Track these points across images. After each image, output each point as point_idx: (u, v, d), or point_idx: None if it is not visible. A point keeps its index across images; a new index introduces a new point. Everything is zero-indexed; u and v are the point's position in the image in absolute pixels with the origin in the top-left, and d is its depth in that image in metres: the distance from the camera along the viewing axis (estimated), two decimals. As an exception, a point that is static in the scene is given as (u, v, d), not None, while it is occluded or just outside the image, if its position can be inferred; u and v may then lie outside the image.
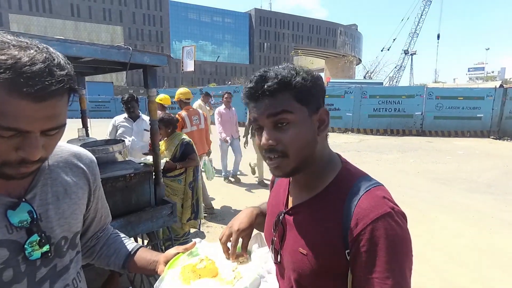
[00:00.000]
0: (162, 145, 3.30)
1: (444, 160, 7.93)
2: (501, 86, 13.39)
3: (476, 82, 34.25)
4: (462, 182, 5.95)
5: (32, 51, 0.53)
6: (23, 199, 0.66)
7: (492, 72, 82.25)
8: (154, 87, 2.26)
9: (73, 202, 0.75)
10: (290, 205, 0.81)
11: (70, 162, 0.78)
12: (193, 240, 0.89)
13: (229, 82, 38.36)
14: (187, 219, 3.28)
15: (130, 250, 0.90)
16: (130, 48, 1.88)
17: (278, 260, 0.81)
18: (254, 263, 0.77)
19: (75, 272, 0.77)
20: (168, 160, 3.11)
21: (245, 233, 0.85)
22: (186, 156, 3.20)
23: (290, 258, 0.76)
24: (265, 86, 0.68)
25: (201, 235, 3.80)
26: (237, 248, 0.83)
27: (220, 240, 0.85)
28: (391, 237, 0.63)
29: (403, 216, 0.67)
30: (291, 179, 0.84)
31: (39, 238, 0.66)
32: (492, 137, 11.58)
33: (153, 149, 2.48)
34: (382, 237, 0.63)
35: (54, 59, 0.54)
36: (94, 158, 0.84)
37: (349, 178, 0.73)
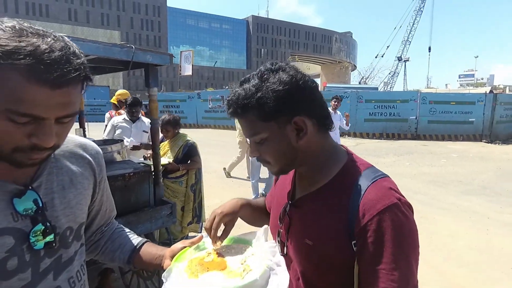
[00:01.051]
0: (166, 145, 3.28)
1: (439, 163, 8.00)
2: (491, 91, 13.61)
3: (467, 88, 34.73)
4: (457, 184, 6.01)
5: (49, 39, 0.53)
6: (30, 187, 0.65)
7: (482, 79, 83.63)
8: (156, 86, 2.27)
9: (79, 192, 0.75)
10: (296, 196, 0.81)
11: (76, 152, 0.77)
12: (200, 234, 0.88)
13: (227, 87, 38.45)
14: (188, 222, 3.22)
15: (135, 244, 0.88)
16: (133, 47, 1.89)
17: (285, 252, 0.80)
18: (263, 256, 0.76)
19: (79, 264, 0.76)
20: (170, 161, 3.08)
21: (228, 219, 0.85)
22: (189, 157, 3.16)
23: (296, 250, 0.76)
24: (228, 113, 0.73)
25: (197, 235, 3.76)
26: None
27: (205, 227, 0.85)
28: (398, 228, 0.63)
29: (409, 207, 0.67)
30: (295, 171, 0.83)
31: (43, 227, 0.65)
32: (484, 140, 11.71)
33: (153, 149, 2.48)
34: (389, 228, 0.63)
35: (70, 48, 0.55)
36: (99, 149, 0.84)
37: (355, 170, 0.72)
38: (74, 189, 0.73)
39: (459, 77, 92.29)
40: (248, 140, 0.77)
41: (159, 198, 2.47)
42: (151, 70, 2.22)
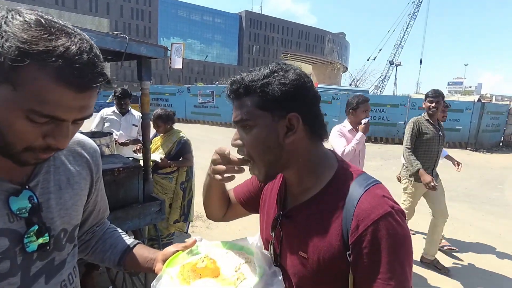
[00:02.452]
0: (158, 140, 3.21)
1: (425, 169, 8.17)
2: (479, 100, 13.99)
3: (455, 96, 35.69)
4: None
5: (77, 39, 0.52)
6: (26, 186, 0.62)
7: (470, 87, 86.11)
8: (149, 79, 2.20)
9: (75, 192, 0.72)
10: (286, 206, 0.79)
11: (74, 150, 0.74)
12: (194, 237, 0.85)
13: (217, 82, 38.19)
14: (174, 220, 3.15)
15: (126, 246, 0.86)
16: (127, 37, 1.81)
17: (278, 262, 0.79)
18: (258, 265, 0.74)
19: (71, 266, 0.73)
20: (162, 157, 3.01)
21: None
22: (181, 154, 3.10)
23: (290, 262, 0.75)
24: (228, 91, 0.71)
25: (187, 237, 3.72)
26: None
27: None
28: (393, 237, 0.63)
29: (402, 214, 0.67)
30: (284, 179, 0.82)
31: (37, 228, 0.62)
32: (469, 148, 12.03)
33: (144, 144, 2.41)
34: (384, 237, 0.63)
35: (94, 49, 0.54)
36: (97, 147, 0.81)
37: (347, 177, 0.72)
38: (70, 190, 0.71)
39: (448, 84, 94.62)
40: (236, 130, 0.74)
41: (148, 194, 2.41)
42: (145, 62, 2.14)
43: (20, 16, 0.50)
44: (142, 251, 0.85)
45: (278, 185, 0.84)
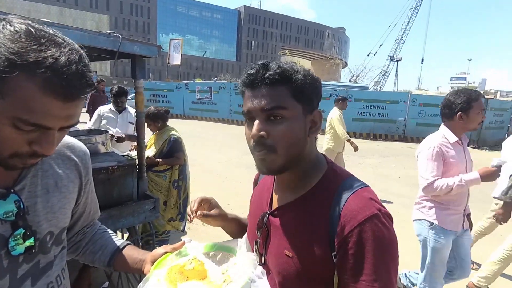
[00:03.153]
0: (153, 138, 3.24)
1: (423, 165, 8.18)
2: (482, 97, 13.92)
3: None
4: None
5: (66, 49, 0.53)
6: (12, 190, 0.63)
7: (474, 82, 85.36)
8: (142, 78, 2.19)
9: (63, 196, 0.72)
10: (274, 205, 0.80)
11: (63, 153, 0.75)
12: (183, 239, 0.86)
13: (215, 78, 38.04)
14: (169, 218, 3.16)
15: (116, 247, 0.87)
16: (120, 36, 1.81)
17: (263, 262, 0.79)
18: (244, 267, 0.75)
19: (59, 268, 0.73)
20: (149, 156, 3.00)
21: (211, 208, 0.88)
22: (173, 152, 3.09)
23: (275, 261, 0.75)
24: (267, 75, 0.67)
25: (182, 234, 3.73)
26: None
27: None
28: (378, 239, 0.63)
29: (389, 217, 0.68)
30: (275, 178, 0.82)
31: (23, 231, 0.63)
32: (472, 146, 11.88)
33: (138, 142, 2.42)
34: (370, 239, 0.63)
35: (83, 59, 0.55)
36: (87, 150, 0.81)
37: (335, 179, 0.72)
38: (58, 193, 0.71)
39: (451, 80, 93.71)
40: (257, 120, 0.68)
41: (142, 192, 2.42)
42: (138, 61, 2.14)
43: (11, 26, 0.51)
44: (132, 252, 0.86)
45: (267, 186, 0.85)
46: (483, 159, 9.74)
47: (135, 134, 3.63)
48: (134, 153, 2.98)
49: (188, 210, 0.87)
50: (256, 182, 0.96)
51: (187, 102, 16.49)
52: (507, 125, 13.03)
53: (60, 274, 0.73)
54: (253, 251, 0.83)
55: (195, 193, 5.40)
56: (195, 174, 6.12)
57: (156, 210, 2.39)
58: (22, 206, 0.63)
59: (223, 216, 0.90)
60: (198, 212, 0.84)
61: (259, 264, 0.79)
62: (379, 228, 0.64)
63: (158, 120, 3.10)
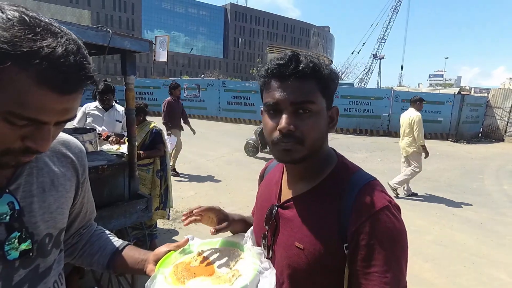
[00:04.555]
0: None
1: (409, 160, 8.38)
2: (459, 93, 14.38)
3: (436, 88, 36.60)
4: (425, 181, 6.32)
5: (64, 39, 0.49)
6: (6, 190, 0.59)
7: (450, 79, 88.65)
8: (133, 74, 2.13)
9: (60, 195, 0.68)
10: (283, 198, 0.79)
11: (58, 150, 0.71)
12: (186, 236, 0.84)
13: (202, 75, 37.67)
14: (155, 208, 3.25)
15: (115, 248, 0.83)
16: (110, 31, 1.74)
17: (270, 255, 0.79)
18: (251, 260, 0.74)
19: (57, 273, 0.69)
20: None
21: (216, 215, 0.87)
22: (155, 144, 3.19)
23: (285, 253, 0.74)
24: (300, 67, 0.66)
25: (174, 232, 3.68)
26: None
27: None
28: (390, 230, 0.64)
29: (398, 209, 0.69)
30: (284, 171, 0.82)
31: (19, 234, 0.59)
32: (450, 139, 12.38)
33: (129, 140, 2.35)
34: (382, 231, 0.63)
35: (81, 50, 0.52)
36: (83, 147, 0.77)
37: (346, 172, 0.73)
38: (55, 192, 0.67)
39: (429, 77, 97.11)
40: (285, 114, 0.67)
41: (134, 191, 2.35)
42: (129, 57, 2.07)
43: (2, 13, 0.46)
44: (132, 253, 0.83)
45: (275, 179, 0.84)
46: (461, 152, 10.13)
47: (123, 133, 3.57)
48: (114, 147, 2.95)
49: (189, 210, 0.87)
50: (262, 177, 0.96)
51: (174, 100, 16.25)
52: (481, 119, 13.59)
53: (57, 280, 0.70)
54: (260, 245, 0.82)
55: (186, 192, 5.34)
56: (185, 172, 6.08)
57: (148, 210, 2.33)
58: (17, 207, 0.59)
59: (230, 222, 0.89)
60: (211, 229, 0.83)
61: (266, 258, 0.79)
62: (390, 219, 0.64)
63: (140, 114, 3.21)
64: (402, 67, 60.23)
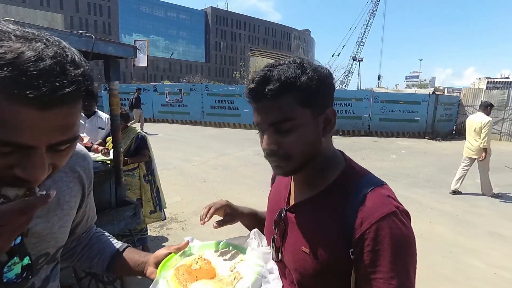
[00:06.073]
0: None
1: (389, 158, 8.65)
2: (433, 93, 14.99)
3: (413, 89, 37.90)
4: (405, 177, 6.56)
5: (39, 43, 0.42)
6: None
7: (425, 80, 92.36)
8: (117, 79, 2.13)
9: (65, 213, 0.66)
10: (292, 202, 0.79)
11: (65, 164, 0.67)
12: (185, 238, 0.83)
13: (184, 80, 37.33)
14: (150, 211, 3.29)
15: (115, 250, 0.82)
16: (93, 37, 1.74)
17: (279, 258, 0.79)
18: (254, 261, 0.73)
19: (55, 286, 0.68)
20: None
21: (227, 211, 0.88)
22: (139, 150, 3.21)
23: (292, 257, 0.75)
24: (266, 90, 0.64)
25: (163, 239, 3.66)
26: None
27: (205, 206, 0.88)
28: (396, 236, 0.62)
29: (407, 215, 0.67)
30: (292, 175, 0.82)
31: (17, 257, 0.57)
32: (427, 137, 12.85)
33: (115, 147, 2.33)
34: (387, 236, 0.62)
35: (67, 55, 0.43)
36: (90, 157, 0.75)
37: (353, 176, 0.72)
38: (60, 211, 0.64)
39: (406, 78, 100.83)
40: (266, 134, 0.68)
41: (121, 198, 2.34)
42: (112, 62, 2.08)
43: None
44: (132, 255, 0.81)
45: (285, 182, 0.84)
46: (437, 149, 10.57)
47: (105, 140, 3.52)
48: (99, 155, 2.92)
49: (202, 213, 0.87)
50: (273, 178, 0.96)
51: (156, 105, 16.01)
52: (455, 117, 14.27)
53: None
54: (270, 247, 0.82)
55: (172, 198, 5.30)
56: (172, 178, 6.02)
57: (137, 216, 2.33)
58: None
59: (239, 215, 0.90)
60: (214, 223, 0.86)
61: (275, 260, 0.79)
62: (396, 225, 0.63)
63: (128, 119, 3.26)
64: (379, 76, 63.08)
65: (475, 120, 5.33)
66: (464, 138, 5.81)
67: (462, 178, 5.49)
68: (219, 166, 7.11)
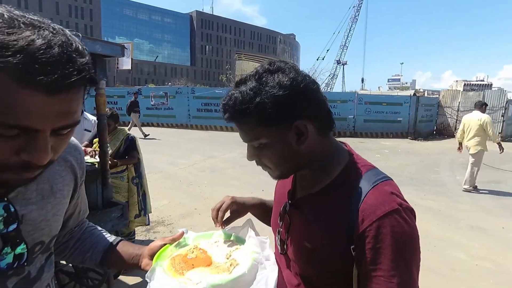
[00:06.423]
0: None
1: (374, 158, 8.83)
2: (414, 94, 15.47)
3: (395, 91, 39.02)
4: (390, 176, 6.71)
5: (47, 32, 0.44)
6: (5, 198, 0.56)
7: (406, 83, 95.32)
8: (104, 78, 2.10)
9: (58, 201, 0.66)
10: (296, 196, 0.80)
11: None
12: (180, 230, 0.83)
13: (169, 83, 36.97)
14: (135, 216, 3.21)
15: (108, 244, 0.81)
16: (80, 35, 1.71)
17: (285, 250, 0.79)
18: (251, 249, 0.73)
19: (49, 277, 0.68)
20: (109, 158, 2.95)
21: (235, 208, 0.87)
22: (129, 152, 3.15)
23: (295, 251, 0.75)
24: (225, 118, 0.69)
25: (150, 243, 3.60)
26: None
27: (213, 208, 0.86)
28: (398, 234, 0.61)
29: (411, 212, 0.66)
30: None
31: (11, 243, 0.57)
32: (409, 137, 13.22)
33: (101, 147, 2.29)
34: (389, 234, 0.61)
35: (72, 44, 0.45)
36: (81, 148, 0.75)
37: (356, 172, 0.70)
38: (53, 199, 0.65)
39: (388, 81, 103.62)
40: (247, 148, 0.72)
41: (107, 199, 2.30)
42: (99, 61, 2.05)
43: None
44: (127, 248, 0.81)
45: (292, 176, 0.84)
46: (419, 148, 10.90)
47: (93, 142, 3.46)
48: (87, 157, 2.87)
49: (213, 216, 0.87)
50: None
51: (141, 109, 15.77)
52: (435, 118, 14.81)
53: (50, 283, 0.68)
54: (275, 238, 0.82)
55: (159, 201, 5.22)
56: (158, 181, 5.94)
57: (124, 217, 2.29)
58: (16, 216, 0.57)
59: (246, 209, 0.91)
60: (218, 226, 0.85)
61: (281, 253, 0.79)
62: (399, 223, 0.62)
63: (118, 120, 3.20)
64: (363, 79, 65.34)
65: (474, 118, 5.60)
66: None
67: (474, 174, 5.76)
68: (207, 169, 7.08)
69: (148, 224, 3.57)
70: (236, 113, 0.66)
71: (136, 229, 3.52)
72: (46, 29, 0.44)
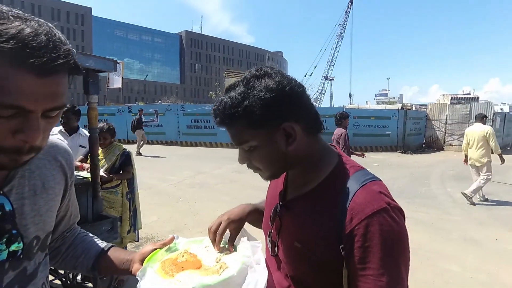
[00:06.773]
0: (99, 154, 3.13)
1: (364, 171, 8.93)
2: (402, 108, 15.90)
3: (382, 106, 40.00)
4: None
5: (33, 22, 0.49)
6: (1, 192, 0.59)
7: (394, 97, 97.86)
8: (96, 93, 2.11)
9: (50, 198, 0.68)
10: (287, 197, 0.81)
11: (48, 153, 0.71)
12: (171, 235, 0.84)
13: (159, 101, 37.02)
14: (127, 231, 3.17)
15: (100, 249, 0.82)
16: (74, 50, 1.73)
17: (276, 252, 0.80)
18: (240, 253, 0.75)
19: (44, 276, 0.69)
20: (103, 173, 2.93)
21: (234, 225, 0.83)
22: (124, 167, 3.14)
23: (286, 251, 0.76)
24: (216, 122, 0.72)
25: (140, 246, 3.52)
26: (223, 243, 0.81)
27: (209, 229, 0.83)
28: (386, 233, 0.62)
29: (399, 211, 0.66)
30: (288, 171, 0.83)
31: (8, 236, 0.58)
32: (399, 151, 13.46)
33: (92, 160, 2.27)
34: (377, 233, 0.62)
35: (55, 34, 0.50)
36: (70, 150, 0.78)
37: (345, 172, 0.72)
38: (46, 195, 0.67)
39: (376, 96, 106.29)
40: (238, 151, 0.73)
41: (97, 212, 2.26)
42: (92, 76, 2.07)
43: None
44: (118, 253, 0.82)
45: (282, 177, 0.85)
46: (409, 161, 11.09)
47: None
48: (83, 173, 2.82)
49: (211, 240, 0.83)
50: None
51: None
52: (423, 131, 15.13)
53: (45, 282, 0.69)
54: (266, 241, 0.82)
55: (148, 218, 5.11)
56: (147, 197, 5.82)
57: (114, 231, 2.24)
58: (11, 209, 0.59)
59: (244, 220, 0.88)
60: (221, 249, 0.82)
61: (272, 255, 0.80)
62: (387, 221, 0.62)
63: (114, 135, 3.20)
64: (350, 94, 67.46)
65: (477, 130, 5.76)
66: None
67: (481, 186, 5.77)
68: (196, 185, 7.01)
69: (138, 241, 3.51)
70: (226, 117, 0.69)
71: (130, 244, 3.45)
72: (32, 21, 0.49)
